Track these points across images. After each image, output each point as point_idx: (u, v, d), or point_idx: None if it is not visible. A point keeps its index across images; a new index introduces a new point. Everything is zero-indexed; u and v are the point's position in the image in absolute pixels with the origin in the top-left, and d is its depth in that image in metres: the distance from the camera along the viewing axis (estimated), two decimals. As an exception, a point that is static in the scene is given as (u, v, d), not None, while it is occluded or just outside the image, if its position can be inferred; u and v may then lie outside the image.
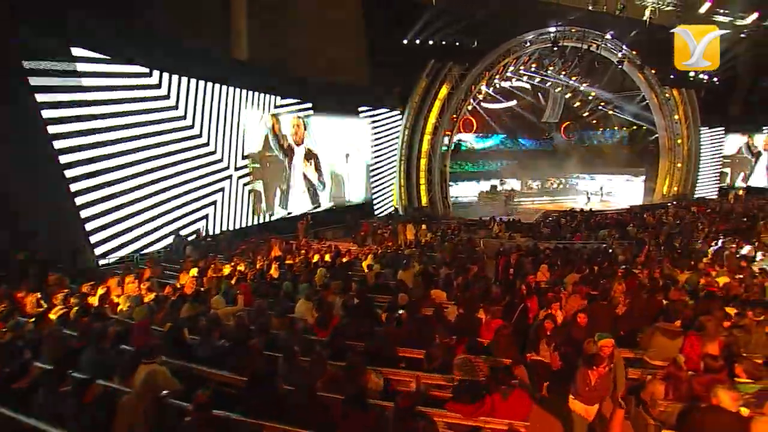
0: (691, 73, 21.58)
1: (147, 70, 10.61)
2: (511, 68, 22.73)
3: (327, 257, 9.77)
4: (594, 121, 27.73)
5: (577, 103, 26.99)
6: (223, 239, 11.31)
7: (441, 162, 20.12)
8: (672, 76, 21.92)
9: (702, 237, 14.29)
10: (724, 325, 4.59)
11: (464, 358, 4.27)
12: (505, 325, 4.72)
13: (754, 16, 15.81)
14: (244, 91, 13.66)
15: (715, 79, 22.21)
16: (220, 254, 9.61)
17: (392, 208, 20.06)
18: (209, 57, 12.99)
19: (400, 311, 5.41)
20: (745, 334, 4.42)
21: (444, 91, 19.73)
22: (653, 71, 22.63)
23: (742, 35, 18.58)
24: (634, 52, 22.01)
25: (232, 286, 6.51)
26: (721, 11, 17.31)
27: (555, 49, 19.89)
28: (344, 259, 10.03)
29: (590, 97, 26.43)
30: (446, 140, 20.19)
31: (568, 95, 26.40)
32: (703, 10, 17.48)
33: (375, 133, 18.89)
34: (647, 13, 18.50)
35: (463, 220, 18.57)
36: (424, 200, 20.07)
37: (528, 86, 26.14)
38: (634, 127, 26.67)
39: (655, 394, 3.70)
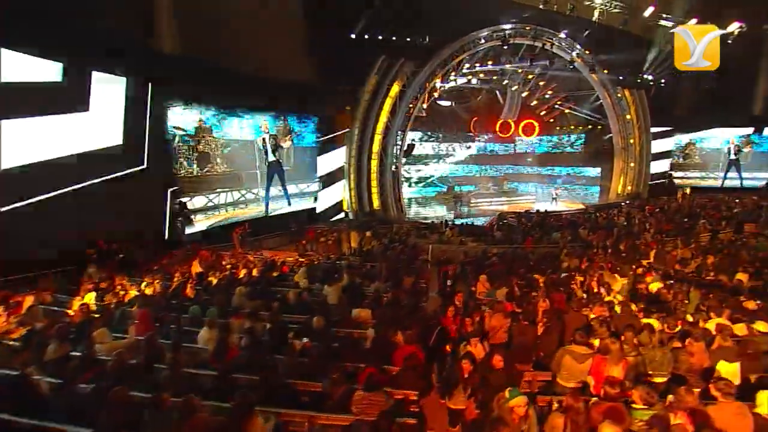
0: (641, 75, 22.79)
1: (45, 63, 9.71)
2: (467, 65, 23.10)
3: (255, 272, 9.38)
4: (551, 120, 28.69)
5: (534, 102, 27.86)
6: (142, 252, 10.61)
7: (393, 163, 20.11)
8: (620, 77, 23.01)
9: (649, 238, 15.02)
10: (633, 342, 4.70)
11: (362, 395, 4.11)
12: (413, 354, 4.60)
13: (693, 21, 16.97)
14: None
15: (662, 81, 23.54)
16: (134, 271, 8.99)
17: (342, 213, 19.81)
18: (130, 48, 12.10)
19: (305, 339, 5.17)
20: (650, 352, 4.54)
21: (395, 89, 19.69)
22: (605, 71, 23.70)
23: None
24: (587, 52, 22.95)
25: (129, 314, 6.03)
26: (665, 16, 18.37)
27: (506, 47, 20.33)
28: (275, 274, 9.68)
29: (547, 95, 27.38)
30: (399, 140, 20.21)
31: (524, 94, 27.19)
32: (647, 14, 18.44)
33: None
34: (596, 13, 19.31)
35: (416, 224, 18.63)
36: (375, 204, 19.96)
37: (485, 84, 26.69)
38: (590, 126, 27.83)
39: (555, 428, 3.68)
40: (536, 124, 28.09)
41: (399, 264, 10.86)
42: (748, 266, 9.67)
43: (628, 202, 24.28)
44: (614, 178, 26.83)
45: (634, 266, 10.69)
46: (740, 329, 5.92)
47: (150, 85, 12.15)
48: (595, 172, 28.15)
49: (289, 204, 16.57)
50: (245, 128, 14.82)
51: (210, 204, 13.40)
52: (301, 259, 11.70)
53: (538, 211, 21.02)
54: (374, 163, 19.75)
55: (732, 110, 23.93)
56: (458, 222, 19.70)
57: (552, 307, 6.06)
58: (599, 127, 27.11)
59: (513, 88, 26.97)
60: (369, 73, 19.20)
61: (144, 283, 7.79)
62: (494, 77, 25.56)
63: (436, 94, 23.81)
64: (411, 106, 20.86)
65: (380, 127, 19.72)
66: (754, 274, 9.21)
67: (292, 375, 4.72)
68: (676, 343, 4.84)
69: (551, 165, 28.17)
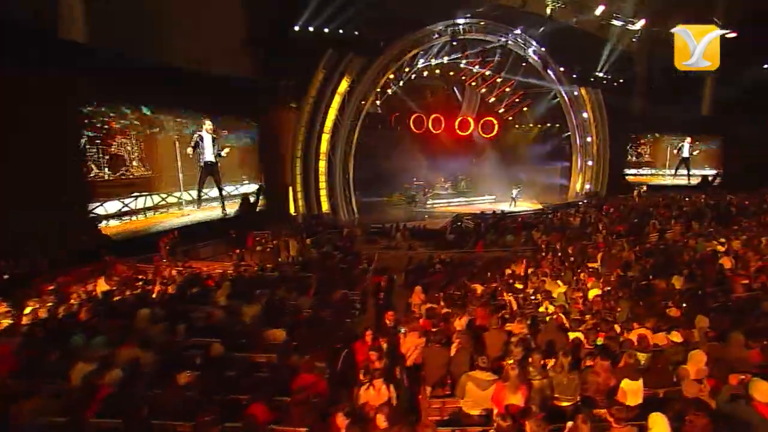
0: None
1: None
2: (422, 60, 23.12)
3: (171, 288, 8.84)
4: (510, 118, 29.23)
5: (493, 99, 28.29)
6: (37, 270, 9.71)
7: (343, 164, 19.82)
8: (574, 75, 23.74)
9: (600, 239, 15.46)
10: (544, 363, 4.65)
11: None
12: (301, 388, 4.34)
13: (642, 21, 17.80)
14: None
15: (618, 80, 24.50)
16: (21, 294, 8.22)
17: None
18: (27, 34, 11.12)
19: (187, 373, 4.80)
20: (558, 375, 4.49)
21: (344, 85, 19.39)
22: (561, 69, 24.38)
23: (634, 39, 20.81)
24: (542, 49, 23.52)
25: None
26: (615, 15, 19.11)
27: (454, 43, 20.48)
28: (195, 289, 9.17)
29: (506, 91, 27.85)
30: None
31: (483, 90, 27.54)
32: (598, 12, 19.10)
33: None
34: (548, 10, 19.80)
35: (367, 228, 18.42)
36: (324, 207, 19.61)
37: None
38: (548, 125, 28.55)
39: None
40: (495, 121, 28.47)
41: (336, 274, 10.61)
42: (684, 268, 10.08)
43: (585, 201, 25.10)
44: (573, 177, 27.73)
45: (578, 271, 10.95)
46: (661, 339, 6.06)
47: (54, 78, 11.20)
48: (554, 170, 28.92)
49: (224, 209, 15.97)
50: (169, 127, 14.06)
51: (126, 209, 12.59)
52: (229, 271, 11.18)
53: (494, 212, 21.32)
54: (322, 164, 19.38)
55: (683, 110, 25.27)
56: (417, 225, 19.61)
57: (472, 323, 5.97)
58: (557, 125, 27.87)
59: (471, 85, 27.27)
60: (315, 68, 18.77)
61: (28, 309, 7.12)
62: (451, 73, 25.71)
63: (389, 91, 23.74)
64: (363, 102, 20.65)
65: (328, 125, 19.36)
66: (688, 277, 9.60)
67: (171, 414, 4.36)
68: (589, 362, 4.83)
69: (511, 163, 28.66)
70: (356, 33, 19.16)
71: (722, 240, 12.34)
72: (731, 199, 20.82)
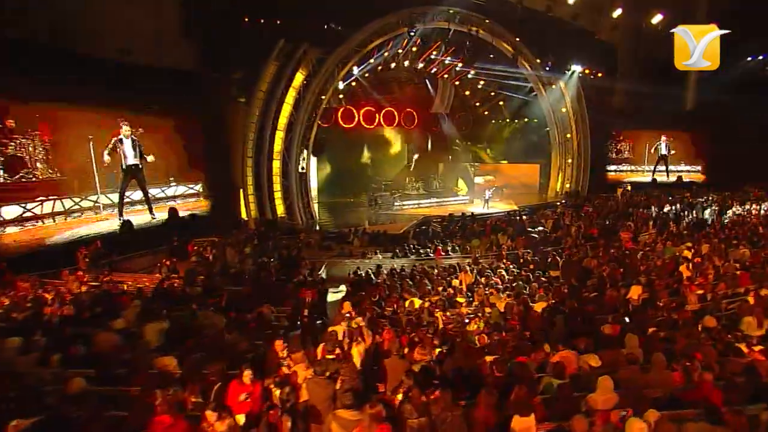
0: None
1: None
2: (387, 53, 22.78)
3: (67, 310, 8.34)
4: (486, 113, 29.07)
5: (467, 92, 28.09)
6: None
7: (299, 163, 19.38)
8: (547, 68, 23.67)
9: (570, 243, 15.32)
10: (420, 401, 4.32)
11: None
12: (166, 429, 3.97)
13: (619, 11, 17.81)
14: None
15: (599, 74, 24.50)
16: None
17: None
18: None
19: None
20: (444, 412, 4.19)
21: (299, 78, 18.95)
22: (538, 61, 24.26)
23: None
24: (518, 39, 23.35)
25: None
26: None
27: (412, 33, 20.21)
28: (99, 309, 8.69)
29: (480, 85, 27.69)
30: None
31: (457, 83, 27.31)
32: (571, 1, 19.05)
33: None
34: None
35: (325, 233, 18.07)
36: (280, 210, 19.15)
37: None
38: (525, 120, 28.44)
39: None
40: (470, 117, 28.31)
41: (268, 287, 10.23)
42: (642, 277, 9.92)
43: (563, 201, 24.98)
44: (552, 175, 27.63)
45: (532, 281, 10.75)
46: (584, 361, 5.82)
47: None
48: (533, 168, 28.86)
49: (152, 213, 15.43)
50: (84, 126, 13.44)
51: (28, 214, 11.89)
52: (152, 285, 10.70)
53: (463, 214, 21.06)
54: (276, 165, 18.91)
55: (665, 105, 25.40)
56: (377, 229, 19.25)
57: (379, 348, 5.65)
58: (535, 120, 27.76)
59: (444, 78, 27.01)
60: (266, 60, 18.30)
61: None
62: (421, 65, 25.42)
63: (353, 84, 23.36)
64: (322, 97, 20.22)
65: (282, 122, 18.90)
66: (646, 285, 9.44)
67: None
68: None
69: (486, 161, 28.56)
70: (314, 23, 18.65)
71: (689, 244, 12.28)
72: (713, 198, 20.95)
